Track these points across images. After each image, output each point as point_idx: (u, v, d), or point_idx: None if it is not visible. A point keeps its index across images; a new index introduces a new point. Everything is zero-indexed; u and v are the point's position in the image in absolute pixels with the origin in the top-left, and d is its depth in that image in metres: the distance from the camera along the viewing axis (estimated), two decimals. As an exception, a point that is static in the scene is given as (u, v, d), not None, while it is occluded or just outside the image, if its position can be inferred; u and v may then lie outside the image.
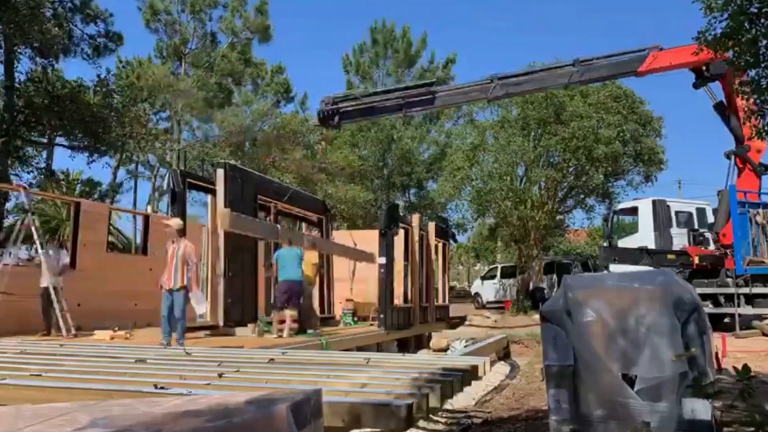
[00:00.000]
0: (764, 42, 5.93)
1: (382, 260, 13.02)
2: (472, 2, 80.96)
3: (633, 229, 17.56)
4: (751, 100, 7.95)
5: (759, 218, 13.87)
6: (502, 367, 11.83)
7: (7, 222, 20.74)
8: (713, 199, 16.39)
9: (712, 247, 15.43)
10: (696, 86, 15.06)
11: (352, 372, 5.37)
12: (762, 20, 5.75)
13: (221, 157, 23.65)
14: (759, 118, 7.29)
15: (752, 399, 3.09)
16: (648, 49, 14.84)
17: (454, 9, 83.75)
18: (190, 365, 5.78)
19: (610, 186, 26.58)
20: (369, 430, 4.16)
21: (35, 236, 9.98)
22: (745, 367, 3.11)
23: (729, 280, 13.96)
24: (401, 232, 14.63)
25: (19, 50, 21.34)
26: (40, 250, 10.22)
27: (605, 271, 15.51)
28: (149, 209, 18.14)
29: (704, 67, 14.27)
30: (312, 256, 11.61)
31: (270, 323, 11.55)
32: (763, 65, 6.13)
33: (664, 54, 14.72)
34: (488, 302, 28.91)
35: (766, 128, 7.23)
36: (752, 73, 6.48)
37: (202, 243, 11.52)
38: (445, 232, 19.63)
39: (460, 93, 16.18)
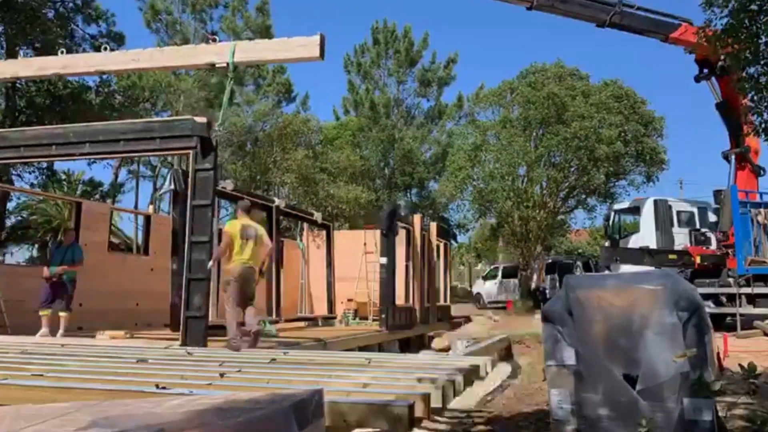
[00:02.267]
0: (764, 39, 5.93)
1: (384, 260, 13.01)
2: (474, 1, 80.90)
3: (634, 228, 17.53)
4: (748, 97, 7.92)
5: (760, 218, 13.85)
6: (504, 367, 11.81)
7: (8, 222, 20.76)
8: (713, 199, 16.39)
9: (713, 246, 15.42)
10: (697, 79, 14.98)
11: (353, 372, 5.36)
12: (762, 17, 5.75)
13: (222, 157, 23.67)
14: (756, 114, 7.28)
15: (756, 397, 3.09)
16: (680, 19, 14.88)
17: (454, 8, 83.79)
18: (192, 365, 5.78)
19: (611, 186, 26.57)
20: (370, 430, 4.15)
21: None
22: (751, 365, 3.11)
23: (731, 279, 13.94)
24: (402, 232, 14.63)
25: (20, 50, 21.36)
26: None
27: (606, 271, 15.49)
28: (151, 209, 18.10)
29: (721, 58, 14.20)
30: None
31: (270, 323, 11.53)
32: (762, 62, 6.14)
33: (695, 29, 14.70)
34: (490, 302, 28.88)
35: (762, 125, 7.21)
36: (751, 69, 6.48)
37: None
38: (446, 232, 19.62)
39: None
